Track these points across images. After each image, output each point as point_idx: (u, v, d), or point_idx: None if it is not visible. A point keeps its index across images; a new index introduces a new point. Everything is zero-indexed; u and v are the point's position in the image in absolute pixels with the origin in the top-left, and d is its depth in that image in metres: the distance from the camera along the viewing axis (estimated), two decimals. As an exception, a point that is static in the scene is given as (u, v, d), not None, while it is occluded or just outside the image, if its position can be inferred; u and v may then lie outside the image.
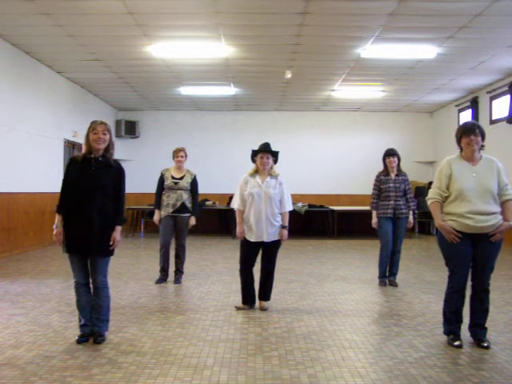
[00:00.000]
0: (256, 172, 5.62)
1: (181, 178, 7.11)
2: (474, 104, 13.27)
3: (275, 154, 5.67)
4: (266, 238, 5.51)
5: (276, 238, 5.56)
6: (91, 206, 4.27)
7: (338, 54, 10.01)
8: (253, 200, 5.51)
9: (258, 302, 5.71)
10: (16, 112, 9.76)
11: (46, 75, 11.08)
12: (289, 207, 5.62)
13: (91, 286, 4.43)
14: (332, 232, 13.85)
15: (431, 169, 16.30)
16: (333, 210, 14.00)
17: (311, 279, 7.55)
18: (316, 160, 16.19)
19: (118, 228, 4.39)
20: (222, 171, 15.70)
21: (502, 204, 4.35)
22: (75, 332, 4.54)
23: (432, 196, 4.47)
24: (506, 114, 11.73)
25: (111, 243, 4.33)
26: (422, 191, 15.31)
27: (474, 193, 4.27)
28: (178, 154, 7.15)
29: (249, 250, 5.60)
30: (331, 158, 16.17)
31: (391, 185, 7.02)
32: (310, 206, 14.21)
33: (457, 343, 4.36)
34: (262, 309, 5.59)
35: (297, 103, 15.09)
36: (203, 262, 9.26)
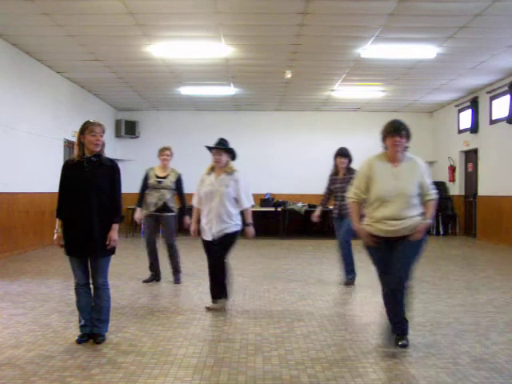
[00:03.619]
0: (212, 169, 5.53)
1: (165, 177, 7.03)
2: (474, 104, 13.27)
3: (230, 151, 5.51)
4: (210, 237, 5.39)
5: (224, 234, 5.37)
6: (89, 207, 4.26)
7: (338, 54, 10.01)
8: (205, 198, 5.42)
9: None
10: (16, 112, 9.76)
11: (46, 75, 11.08)
12: (248, 204, 5.49)
13: (91, 286, 4.44)
14: (332, 232, 13.81)
15: (431, 169, 16.28)
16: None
17: (311, 279, 7.55)
18: (316, 160, 16.15)
19: (115, 226, 4.37)
20: (221, 171, 15.65)
21: (424, 204, 4.24)
22: (75, 332, 4.54)
23: (351, 195, 4.43)
24: (506, 113, 11.72)
25: (107, 242, 4.33)
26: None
27: (392, 197, 4.15)
28: (164, 152, 7.07)
29: (206, 249, 5.52)
30: (331, 158, 16.06)
31: (338, 185, 7.04)
32: (309, 205, 14.21)
33: (401, 343, 4.24)
34: (216, 308, 5.46)
35: (297, 103, 15.08)
36: (203, 262, 9.19)
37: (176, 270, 7.15)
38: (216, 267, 5.50)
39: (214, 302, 5.57)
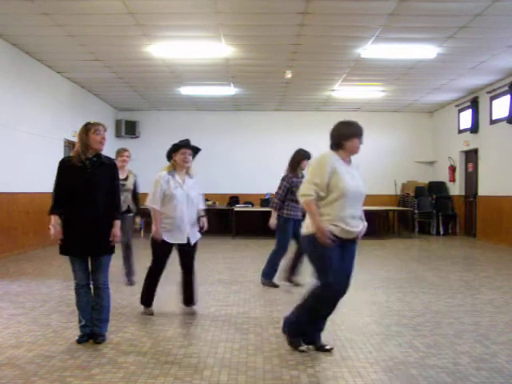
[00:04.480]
0: (174, 169, 5.37)
1: (125, 179, 6.90)
2: (474, 104, 13.27)
3: (196, 152, 5.47)
4: (181, 240, 5.27)
5: (197, 239, 5.40)
6: (95, 208, 4.28)
7: (338, 54, 10.01)
8: (176, 201, 5.22)
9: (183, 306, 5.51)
10: (16, 112, 9.76)
11: (46, 75, 11.08)
12: (202, 206, 5.50)
13: (91, 286, 4.44)
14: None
15: (431, 169, 16.30)
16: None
17: (311, 279, 7.53)
18: (316, 160, 16.16)
19: (117, 223, 4.41)
20: (221, 171, 15.69)
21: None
22: (75, 332, 4.54)
23: (308, 192, 3.99)
24: (506, 113, 11.72)
25: (111, 239, 4.36)
26: (422, 191, 15.35)
27: (354, 195, 4.03)
28: (123, 153, 6.95)
29: (164, 252, 5.30)
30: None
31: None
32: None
33: (303, 348, 4.21)
34: (192, 313, 5.38)
35: (297, 103, 15.08)
36: (203, 261, 9.23)
37: (131, 272, 6.98)
38: (189, 274, 5.41)
39: (148, 306, 5.41)
